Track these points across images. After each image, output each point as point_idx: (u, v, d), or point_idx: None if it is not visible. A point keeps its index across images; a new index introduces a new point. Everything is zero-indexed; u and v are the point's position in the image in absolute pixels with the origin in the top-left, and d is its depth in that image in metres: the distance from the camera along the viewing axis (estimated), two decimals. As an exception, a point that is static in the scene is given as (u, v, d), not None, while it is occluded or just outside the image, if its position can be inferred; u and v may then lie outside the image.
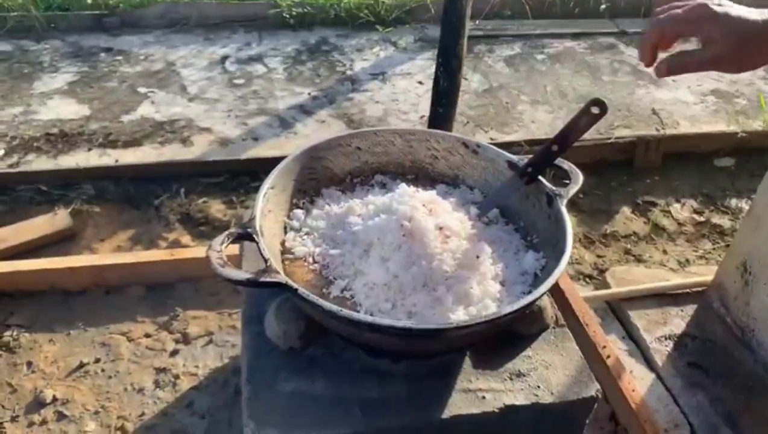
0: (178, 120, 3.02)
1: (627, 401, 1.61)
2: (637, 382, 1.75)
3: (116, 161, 2.71)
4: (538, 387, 1.15)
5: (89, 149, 2.79)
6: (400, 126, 3.09)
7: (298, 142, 2.88)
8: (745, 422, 1.65)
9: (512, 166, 1.33)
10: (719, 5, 0.94)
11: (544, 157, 1.24)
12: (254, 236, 1.10)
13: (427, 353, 1.15)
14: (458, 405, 1.11)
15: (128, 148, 2.81)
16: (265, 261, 1.05)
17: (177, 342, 1.89)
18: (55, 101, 3.12)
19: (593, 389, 1.16)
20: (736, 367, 1.79)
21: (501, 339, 1.21)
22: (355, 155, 1.38)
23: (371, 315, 1.08)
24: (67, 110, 3.05)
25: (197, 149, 2.84)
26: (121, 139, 2.86)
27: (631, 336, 1.94)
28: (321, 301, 1.00)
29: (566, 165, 1.32)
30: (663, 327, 1.93)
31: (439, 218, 1.17)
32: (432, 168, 1.42)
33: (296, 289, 1.01)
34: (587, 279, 2.32)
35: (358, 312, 1.09)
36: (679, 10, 0.96)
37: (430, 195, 1.23)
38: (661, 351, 1.86)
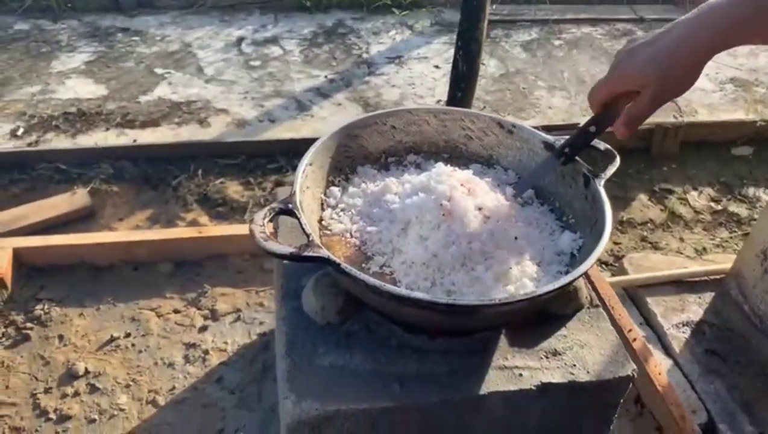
0: (195, 101, 3.02)
1: (653, 384, 1.62)
2: None
3: (134, 141, 2.72)
4: (574, 365, 1.15)
5: (107, 129, 2.80)
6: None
7: (315, 125, 2.89)
8: (762, 409, 1.65)
9: (548, 146, 1.33)
10: (631, 49, 1.00)
11: (582, 137, 1.23)
12: (295, 211, 1.10)
13: (464, 330, 1.16)
14: (495, 381, 1.11)
15: (146, 128, 2.82)
16: (307, 236, 1.05)
17: (205, 318, 1.90)
18: (73, 81, 3.12)
19: (629, 369, 1.16)
20: (753, 355, 1.78)
21: (536, 319, 1.21)
22: (389, 134, 1.38)
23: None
24: (85, 90, 3.05)
25: (214, 130, 2.84)
26: (139, 119, 2.86)
27: (648, 322, 1.94)
28: (364, 276, 1.00)
29: (603, 146, 1.31)
30: (680, 314, 1.93)
31: (478, 198, 1.17)
32: (466, 148, 1.42)
33: (339, 264, 1.01)
34: (604, 266, 2.32)
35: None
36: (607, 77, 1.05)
37: (467, 174, 1.23)
38: (678, 337, 1.86)
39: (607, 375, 1.15)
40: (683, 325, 1.90)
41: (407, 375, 1.11)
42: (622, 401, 1.20)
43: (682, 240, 2.46)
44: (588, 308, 1.26)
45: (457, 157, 1.42)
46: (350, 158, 1.34)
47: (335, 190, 1.30)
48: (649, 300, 1.98)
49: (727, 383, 1.72)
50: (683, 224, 2.55)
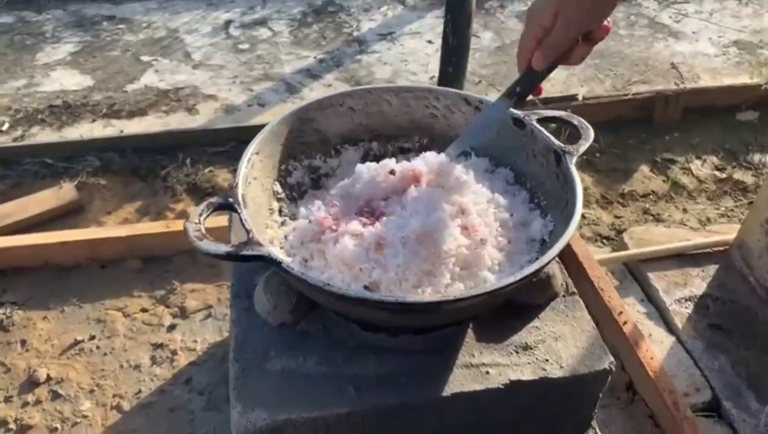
0: (183, 88, 2.96)
1: (645, 369, 1.55)
2: (656, 346, 1.71)
3: (121, 132, 2.66)
4: (547, 360, 1.08)
5: (93, 120, 2.74)
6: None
7: None
8: (770, 384, 1.59)
9: (518, 123, 1.23)
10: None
11: (529, 75, 1.12)
12: (235, 206, 1.03)
13: (424, 327, 1.08)
14: (460, 381, 1.04)
15: (133, 118, 2.76)
16: (247, 232, 0.98)
17: (174, 316, 1.85)
18: (58, 72, 3.06)
19: (606, 362, 1.08)
20: (759, 328, 1.74)
21: (506, 310, 1.13)
22: (347, 116, 1.29)
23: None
24: (71, 81, 3.00)
25: (203, 117, 2.78)
26: (126, 109, 2.81)
27: (650, 298, 1.90)
28: (306, 275, 0.93)
29: (576, 120, 1.23)
30: (683, 289, 1.88)
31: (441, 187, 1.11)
32: (432, 128, 1.33)
33: (280, 262, 0.94)
34: (605, 241, 2.25)
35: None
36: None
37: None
38: (681, 313, 1.82)
39: (582, 369, 1.07)
40: (686, 300, 1.86)
41: (364, 377, 1.04)
42: (601, 395, 1.14)
43: (685, 211, 2.38)
44: (564, 296, 1.18)
45: (422, 138, 1.33)
46: (305, 144, 1.26)
47: (290, 179, 1.23)
48: (650, 275, 1.93)
49: (732, 358, 1.68)
50: (686, 194, 2.46)
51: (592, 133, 1.19)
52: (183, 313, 1.86)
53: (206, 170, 2.48)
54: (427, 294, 0.99)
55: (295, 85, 3.00)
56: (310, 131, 1.26)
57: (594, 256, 1.81)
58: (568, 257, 1.67)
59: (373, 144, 1.32)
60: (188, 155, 2.53)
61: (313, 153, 1.27)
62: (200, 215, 0.99)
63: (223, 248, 0.95)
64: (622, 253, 2.00)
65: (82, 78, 3.03)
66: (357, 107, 1.30)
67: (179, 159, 2.52)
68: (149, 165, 2.49)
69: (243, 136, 2.61)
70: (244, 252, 0.94)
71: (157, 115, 2.78)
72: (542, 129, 1.19)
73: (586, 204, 2.37)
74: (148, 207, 2.33)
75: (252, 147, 1.14)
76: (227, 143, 2.61)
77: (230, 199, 1.03)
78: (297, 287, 1.04)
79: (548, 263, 0.97)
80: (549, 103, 2.63)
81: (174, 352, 1.75)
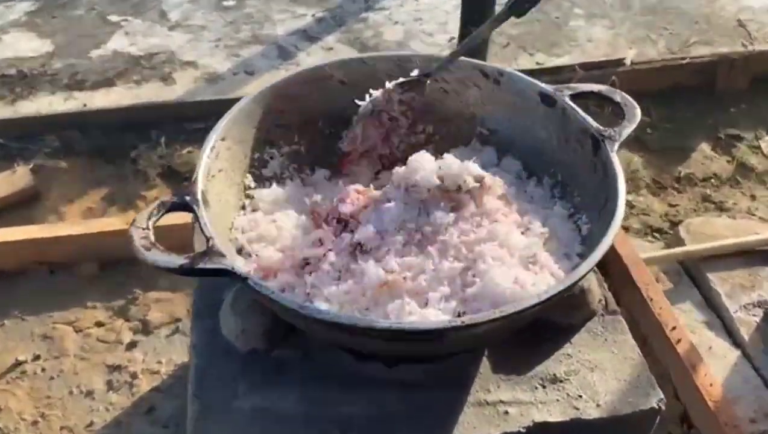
0: (157, 53, 2.92)
1: (703, 398, 1.50)
2: (718, 362, 1.69)
3: (84, 106, 2.64)
4: (580, 397, 1.05)
5: (53, 92, 2.72)
6: (424, 52, 2.91)
7: None
8: None
9: (546, 99, 1.21)
10: None
11: None
12: (193, 206, 0.99)
13: (428, 356, 1.05)
14: (472, 423, 1.02)
15: (98, 90, 2.73)
16: (207, 239, 0.95)
17: (135, 331, 1.84)
18: (12, 36, 3.04)
19: (654, 399, 1.05)
20: None
21: (530, 333, 1.09)
22: (337, 91, 1.27)
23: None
24: (27, 46, 2.97)
25: (180, 88, 2.75)
26: (90, 79, 2.77)
27: (710, 304, 1.87)
28: (278, 295, 0.90)
29: (618, 95, 1.20)
30: (751, 293, 1.86)
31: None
32: (441, 105, 1.29)
33: (246, 278, 0.91)
34: (656, 235, 2.21)
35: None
36: None
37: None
38: (748, 322, 1.79)
39: (624, 408, 1.05)
40: (754, 306, 1.83)
41: (355, 418, 1.02)
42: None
43: (753, 198, 2.35)
44: (602, 315, 1.16)
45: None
46: (284, 127, 1.25)
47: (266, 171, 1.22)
48: (711, 276, 1.91)
49: (810, 377, 1.66)
50: (755, 178, 2.42)
51: (638, 113, 1.16)
52: (145, 328, 1.85)
53: (184, 151, 2.45)
54: (432, 316, 0.95)
55: (289, 49, 2.97)
56: (291, 111, 1.24)
57: (643, 255, 1.78)
58: (610, 260, 1.65)
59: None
60: (163, 133, 2.51)
61: (294, 137, 1.26)
62: (149, 218, 0.97)
63: (175, 260, 0.92)
64: (678, 250, 1.98)
65: (40, 42, 3.00)
66: (349, 81, 1.27)
67: (153, 138, 2.50)
68: (117, 145, 2.47)
69: (228, 110, 2.58)
70: (202, 265, 0.92)
71: (127, 86, 2.75)
72: (577, 108, 1.16)
73: (635, 189, 2.33)
74: (116, 194, 2.31)
75: (216, 131, 1.13)
76: (209, 118, 2.48)
77: (187, 197, 1.00)
78: (269, 307, 1.00)
79: (582, 277, 0.94)
80: (590, 69, 2.59)
81: (134, 376, 1.74)
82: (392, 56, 1.27)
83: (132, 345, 1.81)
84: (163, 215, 0.98)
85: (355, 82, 1.27)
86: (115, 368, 1.75)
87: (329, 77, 1.25)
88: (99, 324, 1.85)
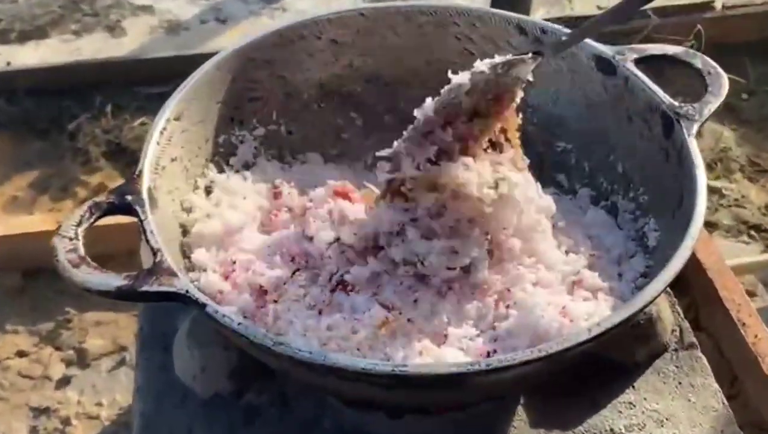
0: None
1: None
2: None
3: (8, 64, 2.66)
4: None
5: (-33, 47, 2.77)
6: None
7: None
8: None
9: (603, 64, 1.20)
10: None
11: None
12: (136, 208, 0.99)
13: (443, 407, 1.05)
14: None
15: (26, 43, 2.76)
16: (154, 253, 0.94)
17: (68, 364, 1.84)
18: None
19: None
20: None
21: (580, 376, 1.09)
22: (328, 54, 1.28)
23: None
24: (-68, -15, 3.03)
25: (131, 41, 2.78)
26: (15, 29, 2.79)
27: None
28: (247, 326, 0.89)
29: (700, 60, 1.18)
30: None
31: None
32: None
33: (203, 305, 0.90)
34: (753, 233, 2.23)
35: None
36: None
37: None
38: None
39: None
40: None
41: None
42: None
43: None
44: (675, 350, 1.16)
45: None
46: (259, 101, 1.25)
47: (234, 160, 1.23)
48: None
49: None
50: None
51: (725, 83, 1.15)
52: (81, 359, 1.86)
53: (136, 122, 2.47)
54: (449, 356, 0.95)
55: (273, -10, 3.00)
56: (267, 79, 1.25)
57: (733, 262, 1.79)
58: (687, 272, 1.60)
59: (369, 99, 1.31)
60: (110, 99, 2.53)
61: (273, 115, 1.26)
62: (78, 225, 0.96)
63: (111, 280, 0.91)
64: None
65: (-55, -19, 3.05)
66: (343, 39, 1.28)
67: (96, 105, 2.52)
68: (51, 114, 2.49)
69: (193, 68, 2.58)
70: (147, 288, 0.90)
71: (63, 38, 2.77)
72: (643, 77, 1.16)
73: (726, 173, 2.35)
74: (49, 179, 2.33)
75: (167, 109, 1.11)
76: (170, 81, 2.54)
77: (129, 197, 1.00)
78: (235, 342, 1.00)
79: (649, 303, 0.93)
80: (669, 15, 2.59)
81: (66, 421, 1.74)
82: (401, 6, 1.27)
83: (64, 382, 1.81)
84: (96, 220, 0.97)
85: (350, 40, 1.28)
86: (42, 411, 1.75)
87: (317, 35, 1.26)
88: (21, 354, 1.85)
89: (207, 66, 1.19)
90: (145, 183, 1.01)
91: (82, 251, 0.93)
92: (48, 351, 1.86)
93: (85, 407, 1.76)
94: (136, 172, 1.03)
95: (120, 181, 2.16)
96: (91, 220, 0.97)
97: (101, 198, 0.99)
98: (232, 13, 2.87)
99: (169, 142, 1.09)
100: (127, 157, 2.37)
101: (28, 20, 2.81)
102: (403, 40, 1.29)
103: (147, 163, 1.04)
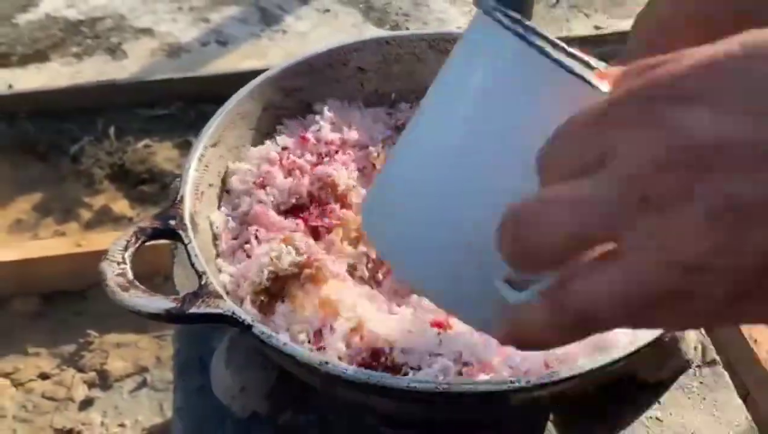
0: (102, 18, 2.98)
1: None
2: None
3: (9, 87, 2.69)
4: None
5: (-33, 70, 2.78)
6: (448, 15, 2.92)
7: (290, 46, 2.83)
8: None
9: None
10: None
11: None
12: (180, 232, 1.00)
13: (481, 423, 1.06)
14: None
15: (27, 66, 2.78)
16: (199, 276, 0.95)
17: (91, 385, 1.84)
18: None
19: None
20: None
21: (607, 392, 1.08)
22: (356, 81, 1.29)
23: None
24: (-69, 9, 3.05)
25: (132, 63, 2.81)
26: (17, 52, 2.83)
27: None
28: (292, 347, 0.90)
29: None
30: None
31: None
32: None
33: (250, 326, 0.91)
34: None
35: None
36: None
37: None
38: None
39: None
40: None
41: None
42: None
43: None
44: (698, 367, 1.16)
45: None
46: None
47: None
48: None
49: None
50: None
51: None
52: (104, 381, 1.85)
53: (140, 144, 2.49)
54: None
55: (272, 12, 3.01)
56: (295, 106, 1.26)
57: None
58: None
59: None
60: (112, 122, 2.54)
61: None
62: (125, 249, 0.97)
63: (161, 304, 0.92)
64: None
65: (-52, 5, 3.05)
66: (369, 67, 1.29)
67: (98, 128, 2.53)
68: (53, 137, 2.50)
69: (194, 91, 2.63)
70: (195, 310, 0.91)
71: (65, 61, 2.79)
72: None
73: None
74: (52, 202, 2.33)
75: (205, 136, 1.13)
76: (172, 103, 2.64)
77: (172, 222, 1.01)
78: (278, 362, 1.01)
79: None
80: None
81: None
82: (425, 34, 1.27)
83: (87, 403, 1.82)
84: (142, 244, 0.98)
85: (376, 68, 1.29)
86: (66, 433, 1.75)
87: (344, 62, 1.27)
88: (44, 376, 1.86)
89: (241, 93, 1.20)
90: (187, 208, 1.03)
91: (130, 275, 0.94)
92: (70, 373, 1.87)
93: (108, 428, 1.77)
94: (178, 198, 1.04)
95: (123, 204, 2.21)
96: (137, 245, 0.98)
97: (145, 223, 1.00)
98: (232, 35, 2.91)
99: (207, 168, 1.11)
100: (131, 179, 2.41)
101: (29, 44, 2.87)
102: (429, 66, 1.27)
103: (188, 190, 1.05)
